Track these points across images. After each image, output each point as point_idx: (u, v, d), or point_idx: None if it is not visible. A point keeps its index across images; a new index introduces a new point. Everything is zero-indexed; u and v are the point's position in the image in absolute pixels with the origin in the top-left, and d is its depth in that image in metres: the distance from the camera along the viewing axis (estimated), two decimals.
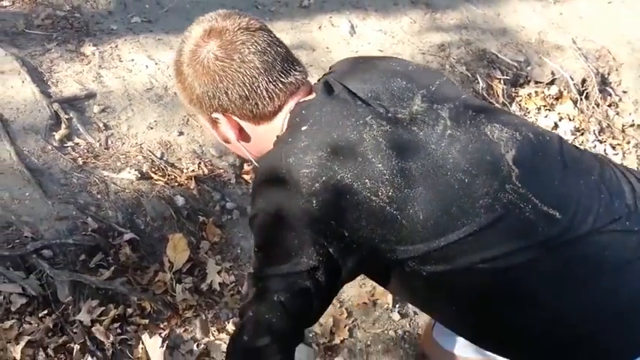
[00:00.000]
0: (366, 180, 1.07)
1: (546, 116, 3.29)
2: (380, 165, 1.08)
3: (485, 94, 3.13)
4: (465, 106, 1.18)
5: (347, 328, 2.22)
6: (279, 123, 1.19)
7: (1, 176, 2.06)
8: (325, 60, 2.95)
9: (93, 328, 1.89)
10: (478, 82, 3.13)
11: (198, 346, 2.02)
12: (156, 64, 2.65)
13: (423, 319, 2.32)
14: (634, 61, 3.57)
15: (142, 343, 1.93)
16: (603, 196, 1.16)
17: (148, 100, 2.51)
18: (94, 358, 1.83)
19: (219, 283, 2.17)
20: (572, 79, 3.40)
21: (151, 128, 2.43)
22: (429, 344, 1.87)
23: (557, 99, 3.36)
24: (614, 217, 1.13)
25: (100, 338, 1.88)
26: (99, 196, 2.13)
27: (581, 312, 1.12)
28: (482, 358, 1.68)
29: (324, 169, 1.08)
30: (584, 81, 3.46)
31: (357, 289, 2.30)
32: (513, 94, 3.28)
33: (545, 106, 3.32)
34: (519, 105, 3.28)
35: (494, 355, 1.63)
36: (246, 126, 1.22)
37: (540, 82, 3.38)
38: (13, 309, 1.82)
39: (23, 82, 2.35)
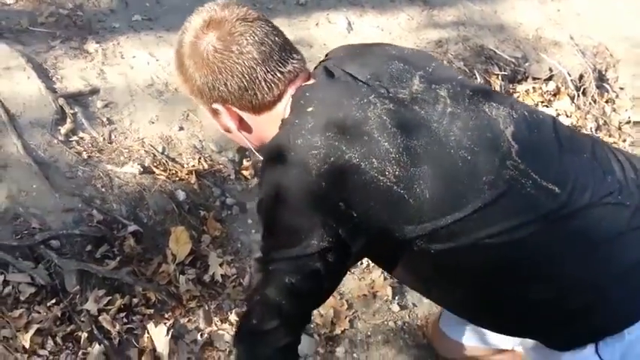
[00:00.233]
0: (373, 159, 1.07)
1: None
2: (386, 143, 1.08)
3: None
4: (462, 86, 1.20)
5: (347, 319, 2.24)
6: (281, 109, 1.20)
7: (9, 169, 2.08)
8: (322, 57, 2.96)
9: (100, 317, 1.91)
10: (476, 78, 3.14)
11: (201, 335, 2.04)
12: (157, 60, 2.68)
13: (422, 310, 2.35)
14: (631, 58, 3.57)
15: (148, 332, 1.95)
16: (597, 172, 1.18)
17: (150, 96, 2.54)
18: (101, 346, 1.86)
19: (222, 275, 2.18)
20: (570, 76, 3.41)
21: (153, 123, 2.46)
22: (435, 334, 1.89)
23: (554, 95, 3.38)
24: (608, 191, 1.16)
25: (106, 327, 1.91)
26: (103, 190, 2.16)
27: (584, 281, 1.14)
28: (486, 347, 1.71)
29: (332, 149, 1.08)
30: (581, 77, 3.47)
31: (356, 282, 2.33)
32: (511, 90, 3.29)
33: (542, 102, 3.33)
34: None
35: (497, 343, 1.68)
36: (247, 116, 1.23)
37: (538, 79, 3.39)
38: (22, 298, 1.85)
39: (29, 77, 2.38)
